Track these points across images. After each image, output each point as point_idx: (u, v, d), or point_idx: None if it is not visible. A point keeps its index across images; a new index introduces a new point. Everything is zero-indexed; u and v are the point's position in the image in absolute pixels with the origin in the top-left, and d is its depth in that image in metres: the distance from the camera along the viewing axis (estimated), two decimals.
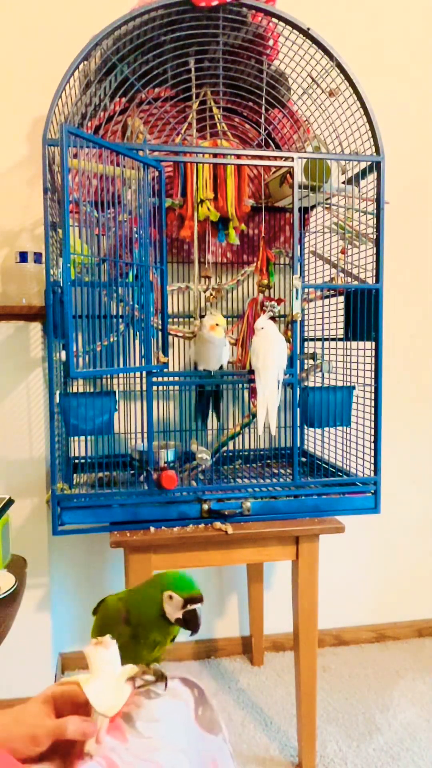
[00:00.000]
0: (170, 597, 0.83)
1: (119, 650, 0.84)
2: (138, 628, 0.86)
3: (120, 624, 0.87)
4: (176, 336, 1.67)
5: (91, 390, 1.60)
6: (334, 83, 1.48)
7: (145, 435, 1.46)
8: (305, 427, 1.64)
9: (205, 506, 1.45)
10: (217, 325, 1.44)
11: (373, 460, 1.54)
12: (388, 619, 2.19)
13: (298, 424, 1.54)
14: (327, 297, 1.67)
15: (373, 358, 1.53)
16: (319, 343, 1.69)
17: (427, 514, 2.18)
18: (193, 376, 1.55)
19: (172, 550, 1.42)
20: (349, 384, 1.61)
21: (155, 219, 1.44)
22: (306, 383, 1.60)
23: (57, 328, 1.39)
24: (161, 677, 0.84)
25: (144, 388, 1.47)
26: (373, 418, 1.54)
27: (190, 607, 0.82)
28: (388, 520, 2.11)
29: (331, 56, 1.45)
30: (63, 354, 1.42)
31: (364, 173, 1.55)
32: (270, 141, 1.67)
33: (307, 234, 1.81)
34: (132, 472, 1.59)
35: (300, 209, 1.48)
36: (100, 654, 0.74)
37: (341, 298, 1.65)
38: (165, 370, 1.47)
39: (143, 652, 0.87)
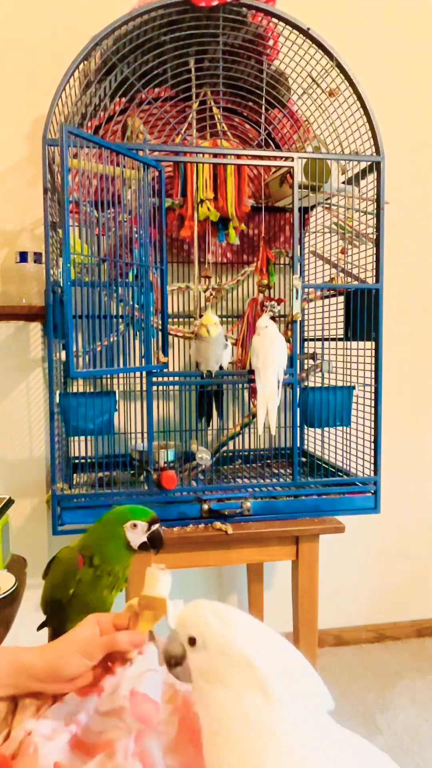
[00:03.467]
0: (134, 525, 0.91)
1: (79, 595, 0.92)
2: (102, 566, 0.92)
3: (76, 571, 0.93)
4: (176, 336, 1.67)
5: (91, 390, 1.60)
6: (334, 83, 1.48)
7: (145, 435, 1.46)
8: (305, 427, 1.64)
9: (205, 506, 1.45)
10: (202, 325, 1.43)
11: (373, 460, 1.54)
12: (388, 619, 2.19)
13: (298, 424, 1.54)
14: (327, 297, 1.67)
15: (373, 358, 1.53)
16: (319, 343, 1.69)
17: (427, 514, 2.18)
18: (193, 376, 1.55)
19: (172, 550, 1.42)
20: (349, 384, 1.61)
21: (155, 219, 1.43)
22: (306, 383, 1.60)
23: (57, 328, 1.39)
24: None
25: (144, 388, 1.47)
26: (373, 418, 1.54)
27: (154, 528, 0.91)
28: (388, 520, 2.11)
29: (331, 56, 1.45)
30: (63, 354, 1.42)
31: (364, 173, 1.55)
32: (270, 141, 1.67)
33: (307, 234, 1.81)
34: (132, 472, 1.59)
35: (300, 209, 1.47)
36: (165, 578, 0.76)
37: (341, 298, 1.65)
38: (165, 370, 1.47)
39: (104, 592, 0.93)
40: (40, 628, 1.04)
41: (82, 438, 1.59)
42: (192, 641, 0.59)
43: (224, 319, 1.83)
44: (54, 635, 1.00)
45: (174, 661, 0.62)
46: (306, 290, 1.58)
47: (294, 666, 0.57)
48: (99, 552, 0.93)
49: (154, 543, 0.92)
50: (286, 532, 1.45)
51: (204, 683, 0.57)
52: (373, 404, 1.54)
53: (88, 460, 1.58)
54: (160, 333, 1.47)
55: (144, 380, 1.47)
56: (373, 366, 1.53)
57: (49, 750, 0.67)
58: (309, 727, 0.54)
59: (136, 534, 0.91)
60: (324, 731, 0.55)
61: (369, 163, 1.51)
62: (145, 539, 0.91)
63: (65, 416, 1.40)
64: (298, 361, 1.52)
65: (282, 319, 1.76)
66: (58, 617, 0.97)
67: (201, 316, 1.59)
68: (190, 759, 0.68)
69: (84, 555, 0.93)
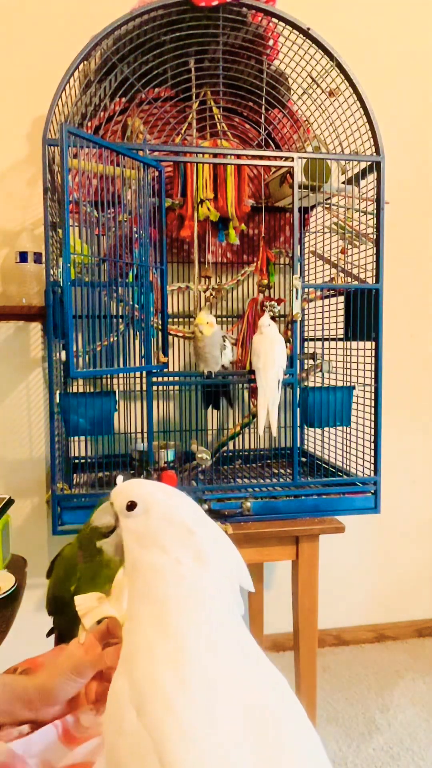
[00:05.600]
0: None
1: (81, 591, 0.89)
2: (95, 558, 0.89)
3: (76, 566, 0.92)
4: (176, 336, 1.67)
5: (91, 390, 1.60)
6: (334, 83, 1.48)
7: (145, 435, 1.46)
8: (305, 427, 1.64)
9: (205, 506, 1.45)
10: (195, 326, 1.44)
11: (373, 460, 1.54)
12: (388, 619, 2.19)
13: (298, 424, 1.54)
14: (327, 297, 1.67)
15: (373, 358, 1.53)
16: (319, 343, 1.69)
17: (427, 514, 2.18)
18: (193, 376, 1.55)
19: None
20: (349, 384, 1.61)
21: (155, 219, 1.43)
22: (306, 383, 1.60)
23: (57, 328, 1.39)
24: None
25: (144, 388, 1.47)
26: (373, 418, 1.54)
27: None
28: (388, 520, 2.11)
29: (331, 56, 1.45)
30: (63, 354, 1.42)
31: (364, 173, 1.55)
32: (270, 141, 1.67)
33: (307, 234, 1.81)
34: (132, 472, 1.59)
35: (300, 209, 1.48)
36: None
37: (341, 298, 1.65)
38: (165, 370, 1.47)
39: (106, 587, 0.91)
40: (49, 634, 1.03)
41: (82, 438, 1.60)
42: (131, 506, 0.59)
43: (224, 319, 1.83)
44: (60, 638, 1.00)
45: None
46: (306, 290, 1.58)
47: (224, 543, 0.59)
48: (85, 542, 0.91)
49: None
50: (286, 532, 1.45)
51: (138, 548, 0.58)
52: (373, 404, 1.54)
53: (88, 460, 1.58)
54: (160, 333, 1.47)
55: (144, 380, 1.47)
56: (373, 366, 1.53)
57: (34, 740, 0.67)
58: (231, 599, 0.56)
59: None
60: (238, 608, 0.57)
61: (369, 163, 1.51)
62: None
63: (65, 416, 1.40)
64: (298, 361, 1.52)
65: (282, 319, 1.76)
66: (63, 616, 0.96)
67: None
68: None
69: (82, 550, 0.93)
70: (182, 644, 0.51)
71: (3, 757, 0.63)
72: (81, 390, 1.63)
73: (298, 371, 1.52)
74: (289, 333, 1.50)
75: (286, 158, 1.45)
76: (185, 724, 0.46)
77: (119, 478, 0.65)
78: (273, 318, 1.50)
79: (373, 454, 1.54)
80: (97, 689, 0.74)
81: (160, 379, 1.51)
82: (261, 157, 1.46)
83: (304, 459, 1.77)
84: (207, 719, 0.47)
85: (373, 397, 1.54)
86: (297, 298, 1.46)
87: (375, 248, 1.52)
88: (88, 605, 0.75)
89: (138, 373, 1.66)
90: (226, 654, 0.51)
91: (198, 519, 0.58)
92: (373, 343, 1.53)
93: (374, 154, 1.50)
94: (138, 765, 0.46)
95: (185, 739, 0.46)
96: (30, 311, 1.67)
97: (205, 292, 1.65)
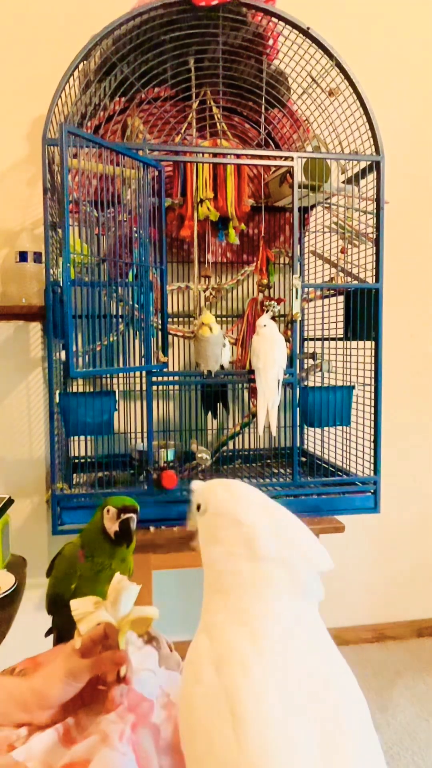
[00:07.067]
0: (107, 511, 0.91)
1: (81, 591, 0.91)
2: (93, 558, 0.92)
3: (77, 565, 0.93)
4: (176, 336, 1.68)
5: (91, 390, 1.60)
6: (334, 83, 1.48)
7: (145, 435, 1.46)
8: (305, 426, 1.64)
9: None
10: (203, 324, 1.44)
11: (372, 460, 1.54)
12: (388, 619, 2.19)
13: (298, 424, 1.54)
14: (327, 297, 1.67)
15: (373, 358, 1.53)
16: (319, 343, 1.69)
17: (427, 514, 2.18)
18: (193, 375, 1.55)
19: (171, 550, 1.42)
20: (349, 384, 1.61)
21: (155, 219, 1.43)
22: (306, 383, 1.60)
23: (57, 328, 1.39)
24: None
25: (144, 388, 1.47)
26: (372, 418, 1.54)
27: (124, 516, 0.89)
28: (388, 520, 2.11)
29: (331, 56, 1.45)
30: (63, 354, 1.42)
31: (364, 173, 1.55)
32: (270, 141, 1.67)
33: (307, 234, 1.81)
34: (132, 471, 1.59)
35: (300, 209, 1.48)
36: (132, 591, 0.76)
37: (341, 298, 1.65)
38: (165, 369, 1.47)
39: (106, 587, 0.91)
40: (47, 634, 1.03)
41: (82, 438, 1.60)
42: (198, 507, 0.64)
43: (224, 319, 1.83)
44: (59, 638, 1.00)
45: (191, 536, 0.67)
46: (306, 290, 1.58)
47: (292, 530, 0.61)
48: (87, 541, 0.93)
49: (121, 533, 0.90)
50: None
51: (204, 545, 0.62)
52: (373, 404, 1.54)
53: (88, 460, 1.58)
54: (159, 333, 1.47)
55: (144, 380, 1.48)
56: (373, 366, 1.53)
57: (34, 743, 0.67)
58: (296, 587, 0.59)
59: (110, 520, 0.90)
60: (302, 601, 0.61)
61: (369, 162, 1.51)
62: (117, 528, 0.90)
63: (65, 416, 1.40)
64: (298, 360, 1.52)
65: (282, 318, 1.76)
66: (63, 615, 0.96)
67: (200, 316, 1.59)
68: (182, 764, 0.67)
69: (83, 549, 0.93)
70: (258, 628, 0.55)
71: None
72: (81, 390, 1.63)
73: (298, 371, 1.52)
74: (289, 333, 1.50)
75: (286, 158, 1.45)
76: (259, 687, 0.51)
77: (194, 483, 0.68)
78: (273, 318, 1.50)
79: (372, 453, 1.54)
80: (92, 692, 0.74)
81: (160, 378, 1.51)
82: (261, 157, 1.46)
83: (304, 459, 1.77)
84: (278, 689, 0.51)
85: (373, 397, 1.54)
86: (297, 297, 1.46)
87: (375, 248, 1.52)
88: (83, 610, 0.75)
89: (138, 373, 1.66)
90: (294, 644, 0.56)
91: (253, 510, 0.60)
92: (373, 342, 1.53)
93: (374, 153, 1.50)
94: (211, 714, 0.51)
95: (257, 699, 0.50)
96: (30, 311, 1.67)
97: (205, 291, 1.65)
